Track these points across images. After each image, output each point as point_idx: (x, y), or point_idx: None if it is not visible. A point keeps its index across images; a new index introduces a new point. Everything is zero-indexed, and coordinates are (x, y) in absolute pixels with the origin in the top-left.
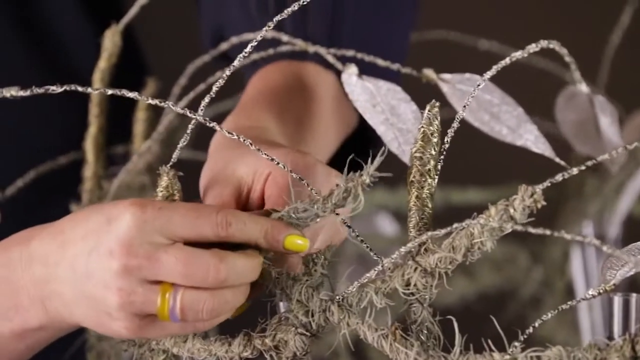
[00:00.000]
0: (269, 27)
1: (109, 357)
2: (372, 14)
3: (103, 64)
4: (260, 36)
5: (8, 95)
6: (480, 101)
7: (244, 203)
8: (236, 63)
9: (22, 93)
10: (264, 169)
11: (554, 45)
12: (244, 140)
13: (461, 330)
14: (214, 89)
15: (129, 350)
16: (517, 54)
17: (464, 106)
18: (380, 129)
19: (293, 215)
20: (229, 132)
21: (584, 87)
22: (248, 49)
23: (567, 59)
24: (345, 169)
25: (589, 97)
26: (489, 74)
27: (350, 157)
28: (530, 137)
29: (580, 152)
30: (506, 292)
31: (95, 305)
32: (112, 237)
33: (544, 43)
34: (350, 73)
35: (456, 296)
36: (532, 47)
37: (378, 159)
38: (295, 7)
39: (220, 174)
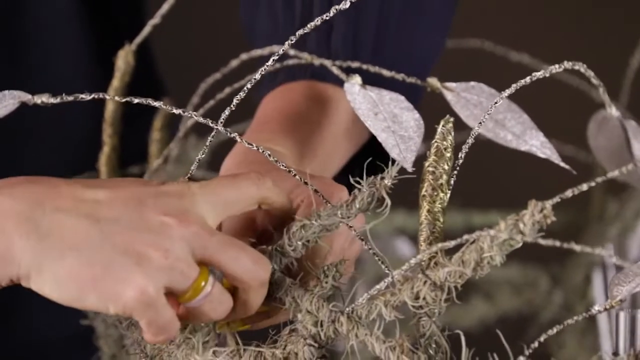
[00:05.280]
0: (291, 40)
1: None
2: (415, 22)
3: (116, 83)
4: (282, 50)
5: (39, 102)
6: (485, 109)
7: (263, 215)
8: (257, 76)
9: (52, 100)
10: (296, 193)
11: (580, 67)
12: (290, 171)
13: (481, 353)
14: (235, 101)
15: None
16: (539, 74)
17: (479, 123)
18: (381, 136)
19: (314, 222)
20: (250, 145)
21: (614, 111)
22: (270, 62)
23: (595, 81)
24: (365, 174)
25: (621, 122)
26: (505, 93)
27: (368, 160)
28: (536, 143)
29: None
30: (526, 315)
31: (120, 262)
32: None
33: (567, 64)
34: (353, 83)
35: (476, 319)
36: (555, 68)
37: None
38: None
39: None
